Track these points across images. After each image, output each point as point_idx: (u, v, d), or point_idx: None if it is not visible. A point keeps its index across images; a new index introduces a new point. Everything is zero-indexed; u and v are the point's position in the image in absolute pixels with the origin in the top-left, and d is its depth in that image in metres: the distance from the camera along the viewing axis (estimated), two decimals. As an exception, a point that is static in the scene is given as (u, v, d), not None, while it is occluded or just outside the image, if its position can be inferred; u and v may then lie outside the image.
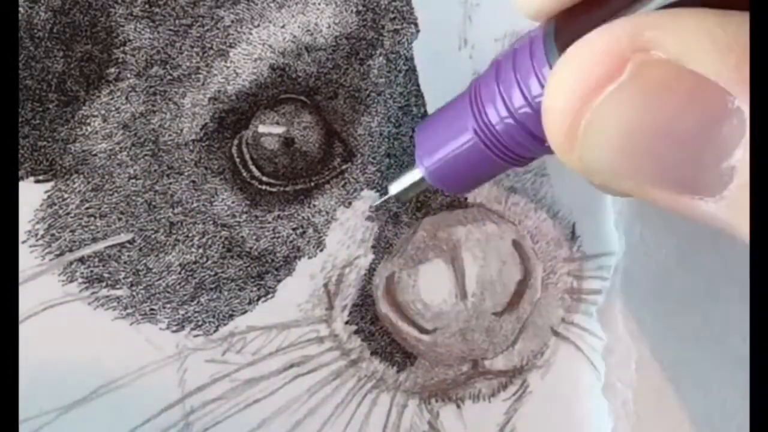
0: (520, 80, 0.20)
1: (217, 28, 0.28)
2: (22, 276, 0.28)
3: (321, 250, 0.29)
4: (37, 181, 0.28)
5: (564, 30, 0.19)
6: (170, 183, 0.29)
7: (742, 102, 0.16)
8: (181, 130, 0.28)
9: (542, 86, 0.20)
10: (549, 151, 0.19)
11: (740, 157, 0.16)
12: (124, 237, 0.29)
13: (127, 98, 0.28)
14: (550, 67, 0.19)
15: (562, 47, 0.18)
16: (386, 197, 0.28)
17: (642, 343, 0.30)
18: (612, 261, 0.30)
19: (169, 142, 0.28)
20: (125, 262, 0.29)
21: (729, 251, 0.30)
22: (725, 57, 0.16)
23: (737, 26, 0.16)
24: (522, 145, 0.21)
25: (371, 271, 0.29)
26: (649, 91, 0.16)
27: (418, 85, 0.29)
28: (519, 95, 0.20)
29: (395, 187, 0.27)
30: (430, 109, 0.29)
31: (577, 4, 0.19)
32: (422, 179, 0.25)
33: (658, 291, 0.30)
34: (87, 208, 0.28)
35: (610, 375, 0.30)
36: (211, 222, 0.29)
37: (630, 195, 0.18)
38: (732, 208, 0.16)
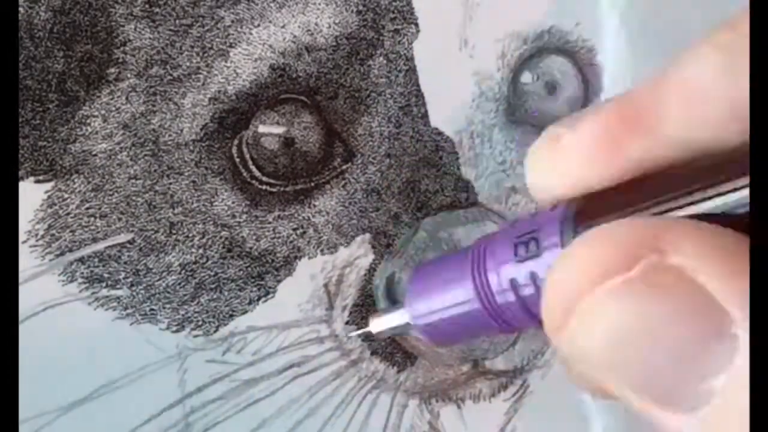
0: (528, 258, 0.20)
1: (218, 28, 0.28)
2: (22, 276, 0.28)
3: (321, 251, 0.29)
4: (37, 181, 0.28)
5: (584, 216, 0.19)
6: (170, 183, 0.29)
7: (740, 329, 0.16)
8: (182, 131, 0.28)
9: (550, 261, 0.19)
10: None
11: (722, 383, 0.16)
12: (124, 237, 0.29)
13: (127, 98, 0.28)
14: (561, 242, 0.19)
15: (581, 227, 0.19)
16: (363, 331, 0.27)
17: None
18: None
19: (169, 143, 0.28)
20: (125, 263, 0.29)
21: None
22: (735, 281, 0.16)
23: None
24: (519, 319, 0.21)
25: (371, 271, 0.29)
26: (653, 293, 0.16)
27: (418, 85, 0.29)
28: (526, 274, 0.20)
29: (377, 325, 0.25)
30: (431, 109, 0.29)
31: (599, 195, 0.19)
32: (407, 324, 0.24)
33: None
34: (87, 209, 0.28)
35: None
36: (211, 222, 0.29)
37: (605, 396, 0.18)
38: (700, 430, 0.16)
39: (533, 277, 0.20)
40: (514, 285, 0.20)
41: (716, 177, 0.17)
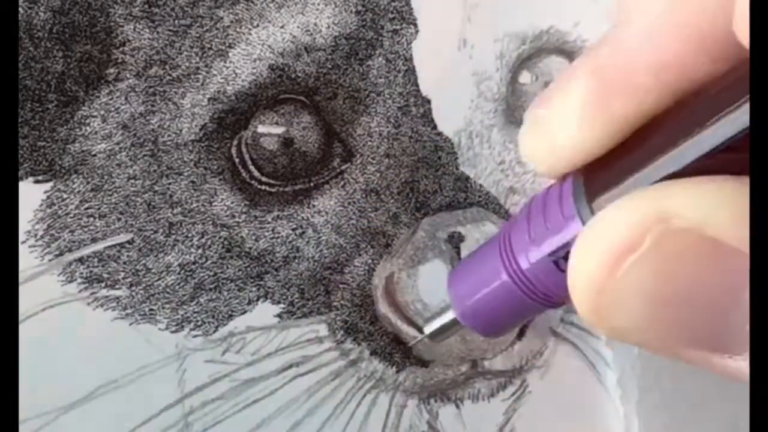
0: (550, 230, 0.21)
1: (217, 29, 0.28)
2: (21, 276, 0.28)
3: (320, 251, 0.29)
4: (37, 182, 0.28)
5: (593, 187, 0.19)
6: (169, 183, 0.29)
7: None
8: (181, 131, 0.28)
9: (571, 237, 0.20)
10: None
11: None
12: (123, 237, 0.29)
13: (126, 98, 0.28)
14: (580, 217, 0.19)
15: (591, 199, 0.19)
16: (421, 337, 0.28)
17: None
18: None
19: (169, 143, 0.28)
20: (124, 263, 0.29)
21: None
22: (745, 223, 0.16)
23: None
24: (553, 291, 0.22)
25: (371, 271, 0.29)
26: (669, 260, 0.17)
27: (417, 85, 0.29)
28: (550, 246, 0.21)
29: (430, 328, 0.27)
30: (432, 108, 0.29)
31: (602, 159, 0.19)
32: (456, 321, 0.25)
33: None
34: (86, 209, 0.28)
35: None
36: (210, 222, 0.29)
37: (663, 355, 0.18)
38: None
39: (556, 251, 0.20)
40: (541, 260, 0.21)
41: (701, 115, 0.17)
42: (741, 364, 0.17)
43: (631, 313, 0.17)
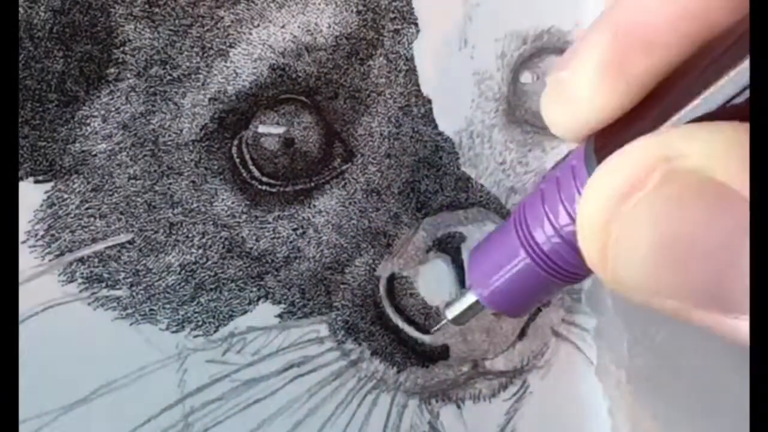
0: (564, 200, 0.20)
1: (217, 28, 0.28)
2: (22, 276, 0.28)
3: (321, 251, 0.29)
4: (37, 182, 0.28)
5: (603, 149, 0.19)
6: (170, 183, 0.29)
7: None
8: (181, 131, 0.28)
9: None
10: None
11: None
12: (123, 237, 0.29)
13: (126, 98, 0.28)
14: None
15: (601, 161, 0.19)
16: (443, 323, 0.28)
17: (634, 323, 0.30)
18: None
19: (169, 143, 0.28)
20: (125, 263, 0.29)
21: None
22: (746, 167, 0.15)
23: None
24: (571, 263, 0.21)
25: (371, 271, 0.29)
26: (672, 201, 0.16)
27: (418, 85, 0.29)
28: (564, 215, 0.20)
29: (451, 312, 0.27)
30: (433, 108, 0.29)
31: (615, 122, 0.19)
32: (477, 303, 0.25)
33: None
34: (87, 209, 0.28)
35: (603, 357, 0.30)
36: (211, 222, 0.29)
37: (677, 316, 0.18)
38: None
39: (571, 217, 0.20)
40: (555, 230, 0.21)
41: (714, 71, 0.17)
42: (742, 326, 0.16)
43: (636, 259, 0.17)
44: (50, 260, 0.28)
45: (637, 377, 0.30)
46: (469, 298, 0.25)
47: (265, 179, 0.29)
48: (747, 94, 0.16)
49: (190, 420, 0.29)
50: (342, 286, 0.29)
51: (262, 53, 0.28)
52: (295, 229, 0.29)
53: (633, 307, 0.30)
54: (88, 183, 0.28)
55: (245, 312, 0.29)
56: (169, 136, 0.28)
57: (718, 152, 0.16)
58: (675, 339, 0.31)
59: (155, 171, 0.29)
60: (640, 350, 0.30)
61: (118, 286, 0.29)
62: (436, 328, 0.28)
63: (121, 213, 0.29)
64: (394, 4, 0.29)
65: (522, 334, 0.30)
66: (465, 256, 0.29)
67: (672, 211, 0.16)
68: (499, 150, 0.30)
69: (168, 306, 0.29)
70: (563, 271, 0.22)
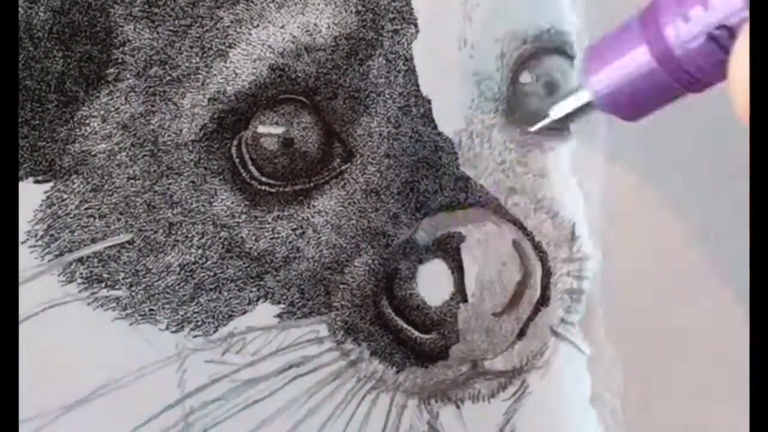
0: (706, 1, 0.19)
1: (217, 29, 0.28)
2: (22, 276, 0.28)
3: (320, 251, 0.29)
4: (37, 182, 0.28)
5: None
6: (170, 183, 0.29)
7: None
8: (181, 131, 0.28)
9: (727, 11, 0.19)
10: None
11: None
12: (123, 237, 0.29)
13: (126, 99, 0.28)
14: None
15: None
16: (547, 121, 0.26)
17: (627, 351, 0.30)
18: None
19: (169, 143, 0.28)
20: (125, 263, 0.29)
21: (701, 249, 0.30)
22: None
23: None
24: (705, 69, 0.20)
25: (371, 271, 0.29)
26: None
27: (417, 85, 0.29)
28: (705, 18, 0.19)
29: (557, 111, 0.25)
30: (432, 108, 0.29)
31: None
32: (590, 103, 0.23)
33: (638, 293, 0.30)
34: (86, 209, 0.28)
35: (597, 385, 0.30)
36: (210, 222, 0.29)
37: None
38: None
39: (713, 26, 0.19)
40: (695, 34, 0.19)
41: None
42: None
43: None
44: (50, 260, 0.28)
45: (632, 404, 0.30)
46: (582, 97, 0.23)
47: (264, 179, 0.29)
48: None
49: (190, 420, 0.29)
50: (341, 286, 0.29)
51: (261, 53, 0.28)
52: (294, 229, 0.29)
53: (626, 334, 0.30)
54: (88, 183, 0.28)
55: (245, 312, 0.29)
56: (169, 136, 0.28)
57: None
58: (670, 361, 0.31)
59: (155, 171, 0.29)
60: (635, 377, 0.30)
61: (117, 286, 0.29)
62: (537, 126, 0.26)
63: (121, 213, 0.29)
64: (393, 4, 0.29)
65: (521, 334, 0.30)
66: (464, 257, 0.29)
67: None
68: (498, 150, 0.30)
69: (167, 306, 0.29)
70: (692, 77, 0.20)
